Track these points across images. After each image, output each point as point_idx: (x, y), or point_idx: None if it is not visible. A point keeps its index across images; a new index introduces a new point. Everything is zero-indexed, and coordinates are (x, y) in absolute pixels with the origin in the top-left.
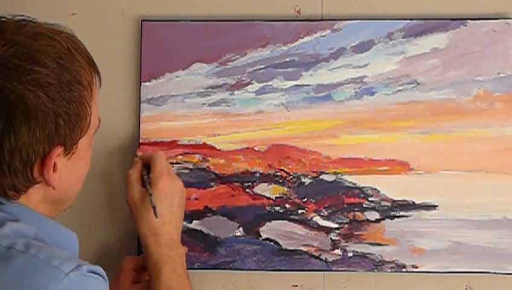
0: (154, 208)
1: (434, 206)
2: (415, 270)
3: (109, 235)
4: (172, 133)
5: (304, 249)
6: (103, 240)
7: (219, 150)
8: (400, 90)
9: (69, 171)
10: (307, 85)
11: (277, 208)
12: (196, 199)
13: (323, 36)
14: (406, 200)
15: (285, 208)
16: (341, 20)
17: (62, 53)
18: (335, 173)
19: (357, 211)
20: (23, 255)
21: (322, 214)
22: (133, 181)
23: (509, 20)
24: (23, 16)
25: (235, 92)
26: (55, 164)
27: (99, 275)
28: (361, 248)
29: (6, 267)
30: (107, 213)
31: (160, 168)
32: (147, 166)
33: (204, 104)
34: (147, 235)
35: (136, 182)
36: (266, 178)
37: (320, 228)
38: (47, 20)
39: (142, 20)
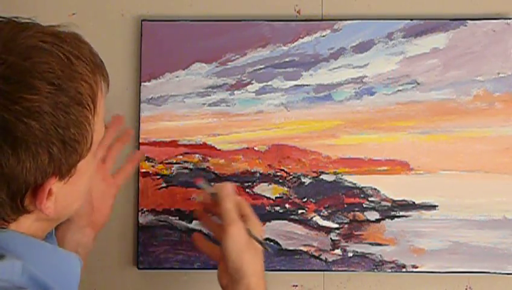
0: (261, 243)
1: (434, 206)
2: (415, 270)
3: (109, 235)
4: (172, 133)
5: (304, 249)
6: (103, 240)
7: (219, 150)
8: (400, 90)
9: (67, 193)
10: (307, 85)
11: (277, 208)
12: (196, 199)
13: (323, 36)
14: (406, 200)
15: (285, 208)
16: (341, 20)
17: (59, 70)
18: (335, 173)
19: (357, 211)
20: None
21: (322, 214)
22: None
23: (509, 20)
24: (19, 18)
25: (235, 92)
26: (50, 190)
27: None
28: (361, 248)
29: None
30: None
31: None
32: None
33: (204, 104)
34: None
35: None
36: (266, 178)
37: (320, 228)
38: (47, 20)
39: (142, 20)
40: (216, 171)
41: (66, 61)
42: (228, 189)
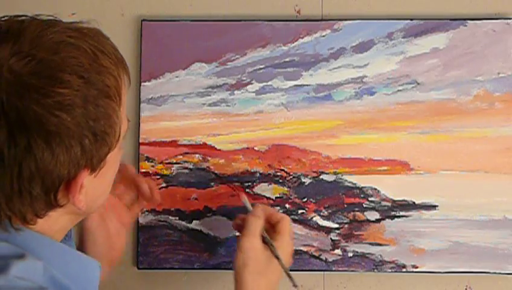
0: (291, 278)
1: (434, 206)
2: (415, 270)
3: None
4: (172, 133)
5: (304, 249)
6: None
7: (219, 150)
8: (400, 90)
9: (96, 186)
10: (307, 85)
11: (277, 208)
12: (196, 199)
13: (323, 36)
14: (406, 200)
15: (285, 208)
16: (341, 20)
17: (87, 64)
18: (335, 173)
19: (357, 211)
20: None
21: (322, 214)
22: (257, 235)
23: (509, 20)
24: (43, 15)
25: (235, 92)
26: (81, 183)
27: None
28: (361, 248)
29: None
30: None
31: (288, 239)
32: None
33: (204, 104)
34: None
35: (259, 238)
36: (266, 178)
37: (320, 228)
38: None
39: (142, 20)
40: (216, 171)
41: (92, 55)
42: (262, 208)
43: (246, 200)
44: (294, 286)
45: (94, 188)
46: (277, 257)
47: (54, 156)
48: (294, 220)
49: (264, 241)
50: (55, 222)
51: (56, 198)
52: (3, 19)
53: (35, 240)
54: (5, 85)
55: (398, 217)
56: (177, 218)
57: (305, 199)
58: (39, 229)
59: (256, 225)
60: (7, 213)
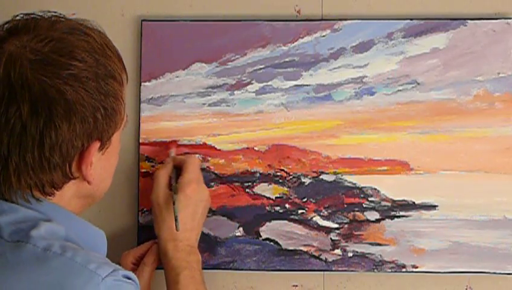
0: (176, 218)
1: (434, 206)
2: (415, 270)
3: (109, 235)
4: (172, 133)
5: (304, 249)
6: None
7: (219, 150)
8: (400, 90)
9: (102, 166)
10: (307, 85)
11: (277, 208)
12: None
13: (323, 36)
14: (406, 200)
15: (285, 208)
16: (341, 20)
17: (97, 48)
18: (335, 173)
19: (357, 211)
20: (60, 258)
21: (322, 214)
22: (160, 183)
23: (509, 20)
24: (55, 12)
25: (235, 92)
26: (91, 158)
27: (133, 281)
28: (361, 248)
29: (42, 268)
30: (107, 212)
31: (191, 175)
32: (177, 168)
33: (204, 104)
34: (167, 239)
35: (164, 185)
36: (266, 178)
37: (320, 228)
38: None
39: (142, 20)
40: (216, 171)
41: (100, 45)
42: (172, 157)
43: (174, 156)
44: (176, 229)
45: (101, 168)
46: (173, 202)
47: (71, 125)
48: (295, 220)
49: (171, 188)
50: (68, 204)
51: (71, 169)
52: (18, 17)
53: (55, 210)
54: (28, 63)
55: (398, 217)
56: None
57: (305, 199)
58: (57, 203)
59: (157, 177)
60: (28, 182)
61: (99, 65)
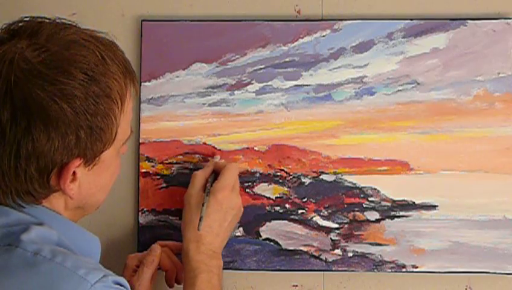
0: (200, 219)
1: (434, 206)
2: (415, 270)
3: (109, 235)
4: (172, 133)
5: (304, 249)
6: (104, 239)
7: (219, 150)
8: (400, 90)
9: (90, 181)
10: (307, 85)
11: (277, 208)
12: None
13: (323, 36)
14: (406, 200)
15: (285, 208)
16: (341, 20)
17: (93, 64)
18: (335, 173)
19: (357, 211)
20: (50, 263)
21: (322, 214)
22: (195, 184)
23: (509, 20)
24: (63, 19)
25: (235, 92)
26: (74, 173)
27: (124, 287)
28: (361, 248)
29: (32, 273)
30: (107, 212)
31: (227, 181)
32: (216, 173)
33: (204, 104)
34: (190, 240)
35: (199, 186)
36: (266, 178)
37: (320, 228)
38: None
39: (142, 20)
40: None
41: (101, 59)
42: (213, 162)
43: (216, 161)
44: (198, 229)
45: (89, 183)
46: (202, 204)
47: (50, 140)
48: (295, 220)
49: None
50: (62, 211)
51: (49, 182)
52: (25, 19)
53: (48, 214)
54: (17, 70)
55: (398, 217)
56: (177, 218)
57: (305, 199)
58: (51, 207)
59: (194, 177)
60: (5, 190)
61: (92, 83)
